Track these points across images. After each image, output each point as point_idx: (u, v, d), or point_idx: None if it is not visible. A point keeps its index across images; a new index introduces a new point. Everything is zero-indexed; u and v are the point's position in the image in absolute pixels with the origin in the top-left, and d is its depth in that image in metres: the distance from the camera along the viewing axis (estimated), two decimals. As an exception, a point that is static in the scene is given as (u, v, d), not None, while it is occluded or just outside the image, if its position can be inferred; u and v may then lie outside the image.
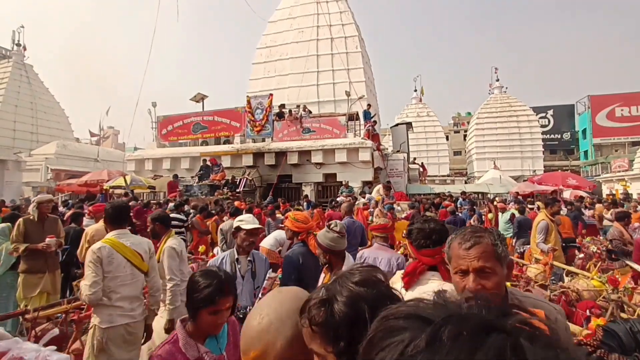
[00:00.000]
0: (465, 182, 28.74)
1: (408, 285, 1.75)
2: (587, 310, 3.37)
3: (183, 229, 7.71)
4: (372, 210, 9.32)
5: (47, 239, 4.31)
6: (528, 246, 7.03)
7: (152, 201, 10.56)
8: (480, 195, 17.78)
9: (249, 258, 2.72)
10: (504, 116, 33.72)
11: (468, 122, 42.51)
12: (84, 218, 6.35)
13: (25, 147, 25.37)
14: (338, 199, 10.95)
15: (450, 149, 41.43)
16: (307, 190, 13.43)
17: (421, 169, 21.07)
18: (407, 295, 1.70)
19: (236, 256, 2.67)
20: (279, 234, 6.90)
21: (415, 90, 39.79)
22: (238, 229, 2.65)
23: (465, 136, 42.54)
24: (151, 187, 13.46)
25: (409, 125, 21.13)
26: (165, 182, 13.30)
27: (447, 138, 41.03)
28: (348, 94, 14.34)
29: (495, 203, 11.24)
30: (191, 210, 7.92)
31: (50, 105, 29.15)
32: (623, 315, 3.52)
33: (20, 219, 4.44)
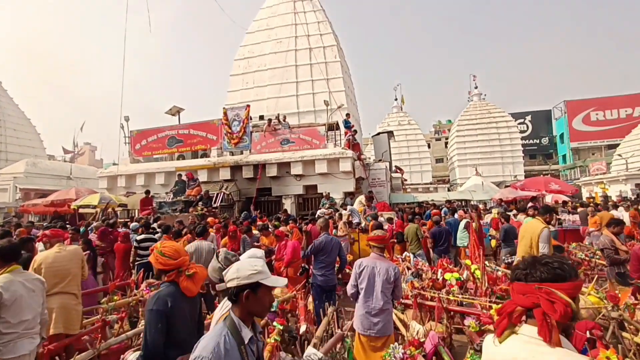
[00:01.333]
0: (448, 190, 28.85)
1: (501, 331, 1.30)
2: (587, 332, 3.05)
3: (147, 253, 7.14)
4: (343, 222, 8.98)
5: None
6: (515, 257, 6.75)
7: (118, 220, 9.91)
8: (463, 202, 17.71)
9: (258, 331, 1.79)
10: (484, 123, 34.24)
11: (449, 130, 43.06)
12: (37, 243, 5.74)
13: (-8, 166, 24.18)
14: (319, 212, 10.55)
15: (432, 156, 41.77)
16: (287, 204, 12.96)
17: (400, 175, 20.93)
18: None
19: (245, 333, 1.63)
20: (253, 253, 6.41)
21: (396, 99, 40.18)
22: (254, 286, 1.62)
23: (446, 143, 43.01)
24: (122, 205, 12.77)
25: (390, 134, 21.00)
26: (138, 199, 12.64)
27: (428, 146, 41.37)
28: (327, 103, 14.08)
29: (479, 210, 11.06)
30: (158, 230, 7.34)
31: (20, 122, 28.01)
32: (625, 334, 3.21)
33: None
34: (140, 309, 4.68)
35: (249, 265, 1.66)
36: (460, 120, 35.40)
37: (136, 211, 12.98)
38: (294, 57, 20.54)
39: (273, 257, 6.66)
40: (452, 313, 4.76)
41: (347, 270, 7.76)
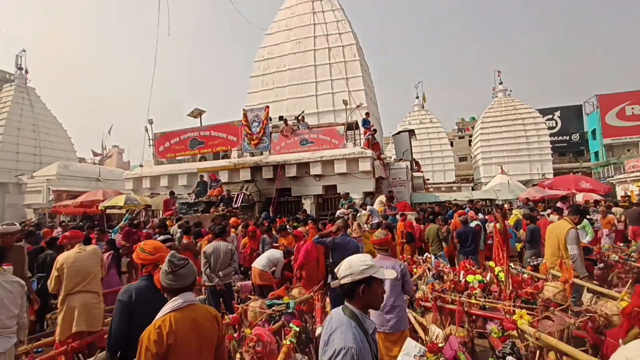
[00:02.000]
0: (472, 189, 28.12)
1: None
2: (620, 340, 2.87)
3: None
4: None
5: (4, 267, 3.91)
6: (541, 259, 6.47)
7: (142, 220, 10.17)
8: (487, 202, 17.19)
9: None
10: (510, 119, 33.15)
11: (473, 127, 41.97)
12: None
13: (28, 169, 25.38)
14: (338, 212, 10.48)
15: (455, 155, 40.83)
16: (307, 204, 12.96)
17: (422, 174, 20.54)
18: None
19: (369, 324, 1.73)
20: (272, 254, 6.44)
21: (417, 97, 39.48)
22: (368, 281, 1.69)
23: (470, 141, 41.93)
24: (147, 206, 13.12)
25: (411, 132, 20.65)
26: (162, 200, 12.95)
27: (451, 144, 40.48)
28: (346, 102, 13.98)
29: (504, 210, 10.69)
30: (178, 230, 7.47)
31: (53, 126, 29.28)
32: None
33: (-20, 250, 4.05)
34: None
35: (359, 261, 1.76)
36: (485, 117, 34.39)
37: (160, 212, 13.31)
38: (313, 57, 20.54)
39: (292, 257, 6.66)
40: (473, 317, 4.61)
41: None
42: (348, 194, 11.98)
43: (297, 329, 3.75)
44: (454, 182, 32.53)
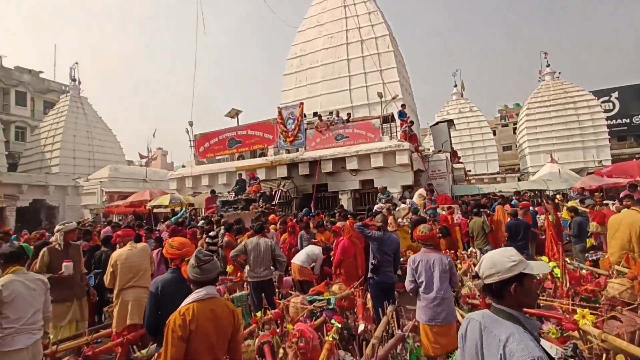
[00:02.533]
0: (519, 179, 26.65)
1: None
2: None
3: (215, 248, 7.50)
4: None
5: (64, 264, 4.18)
6: (601, 253, 5.98)
7: (186, 217, 10.58)
8: (536, 193, 16.21)
9: None
10: (559, 104, 30.92)
11: (517, 114, 39.72)
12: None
13: (84, 172, 27.28)
14: (376, 206, 10.32)
15: (498, 144, 38.91)
16: (344, 199, 12.87)
17: (463, 166, 19.75)
18: None
19: (532, 326, 1.52)
20: (311, 250, 6.44)
21: (456, 86, 37.96)
22: (519, 278, 1.51)
23: (514, 129, 39.75)
24: (190, 205, 13.64)
25: (450, 122, 19.92)
26: (204, 198, 13.41)
27: (494, 133, 38.59)
28: (381, 95, 13.69)
29: (556, 201, 10.02)
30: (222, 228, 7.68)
31: (104, 132, 31.23)
32: None
33: (45, 249, 4.38)
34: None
35: (504, 257, 1.57)
36: (531, 103, 32.31)
37: (202, 210, 13.80)
38: (346, 51, 20.33)
39: (331, 253, 6.62)
40: (527, 316, 4.33)
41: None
42: (386, 188, 11.76)
43: (339, 325, 3.70)
44: (497, 173, 31.00)
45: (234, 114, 17.47)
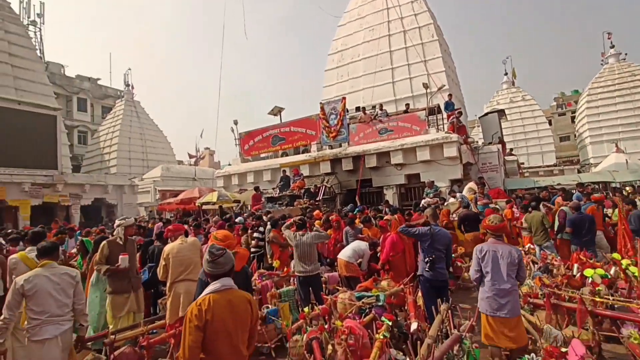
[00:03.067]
0: (578, 172, 24.65)
1: None
2: None
3: (263, 243, 7.61)
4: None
5: (121, 257, 4.38)
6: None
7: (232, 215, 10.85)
8: (600, 185, 14.84)
9: None
10: (625, 88, 28.09)
11: (576, 102, 36.73)
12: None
13: (138, 172, 29.10)
14: (423, 201, 9.97)
15: (555, 134, 36.23)
16: (389, 194, 12.57)
17: (515, 158, 18.54)
18: None
19: None
20: (357, 245, 6.31)
21: (506, 74, 35.77)
22: None
23: (573, 118, 36.81)
24: (237, 201, 14.01)
25: (501, 112, 18.79)
26: (250, 195, 13.72)
27: (550, 123, 35.96)
28: (426, 86, 13.18)
29: (625, 193, 9.10)
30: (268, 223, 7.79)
31: (156, 134, 33.09)
32: None
33: (105, 242, 4.62)
34: (254, 297, 4.97)
35: None
36: (592, 89, 29.63)
37: (248, 206, 14.12)
38: (388, 43, 19.87)
39: (378, 249, 6.45)
40: (599, 318, 3.91)
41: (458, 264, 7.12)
42: (433, 182, 11.33)
43: (390, 323, 3.55)
44: (555, 165, 28.88)
45: (277, 111, 17.69)
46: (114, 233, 4.82)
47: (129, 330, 3.85)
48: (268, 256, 7.71)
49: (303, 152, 15.74)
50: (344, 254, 6.07)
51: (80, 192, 20.29)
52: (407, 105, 15.03)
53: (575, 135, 35.04)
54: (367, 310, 3.97)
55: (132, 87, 32.38)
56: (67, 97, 32.28)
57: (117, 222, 4.75)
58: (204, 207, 14.27)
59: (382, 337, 3.26)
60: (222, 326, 2.13)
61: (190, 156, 34.92)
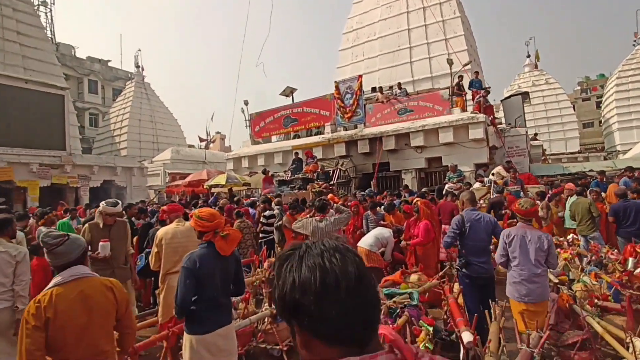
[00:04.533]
0: (604, 159, 23.33)
1: None
2: None
3: (271, 229, 6.97)
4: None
5: (100, 244, 3.76)
6: None
7: (242, 198, 10.26)
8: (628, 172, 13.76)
9: None
10: (660, 71, 26.41)
11: (602, 86, 34.93)
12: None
13: (148, 155, 28.74)
14: (447, 186, 9.20)
15: (578, 120, 34.59)
16: (408, 178, 11.80)
17: (540, 143, 17.52)
18: None
19: None
20: (380, 233, 5.61)
21: (529, 56, 33.97)
22: None
23: (598, 104, 35.04)
24: (246, 184, 13.43)
25: (525, 95, 17.68)
26: (260, 178, 13.10)
27: (573, 108, 34.30)
28: (451, 62, 12.18)
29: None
30: (275, 207, 7.13)
31: (166, 117, 32.61)
32: None
33: (86, 225, 3.99)
34: (264, 290, 4.34)
35: None
36: (622, 72, 27.82)
37: (259, 190, 13.54)
38: (406, 20, 18.82)
39: (402, 237, 5.76)
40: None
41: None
42: (456, 166, 10.52)
43: (430, 329, 2.88)
44: (578, 152, 27.52)
45: (289, 92, 16.91)
46: (96, 217, 4.17)
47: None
48: (276, 243, 7.08)
49: (316, 134, 15.01)
50: (365, 242, 5.39)
51: (89, 174, 19.99)
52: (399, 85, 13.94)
53: (600, 122, 33.39)
54: (399, 311, 3.29)
55: (142, 69, 31.81)
56: (79, 79, 31.92)
57: (101, 205, 4.10)
58: (213, 189, 13.75)
59: (423, 348, 2.60)
60: (70, 322, 1.88)
61: (201, 139, 34.50)
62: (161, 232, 3.49)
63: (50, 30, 29.47)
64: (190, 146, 35.83)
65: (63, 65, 25.06)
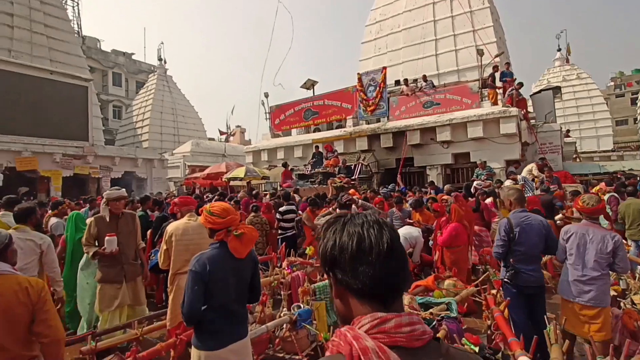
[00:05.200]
0: (641, 158, 22.00)
1: None
2: None
3: (289, 225, 6.64)
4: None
5: (106, 239, 3.50)
6: None
7: (261, 192, 9.99)
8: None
9: None
10: None
11: (637, 82, 33.08)
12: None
13: (169, 147, 28.99)
14: (475, 183, 8.68)
15: (611, 117, 32.88)
16: (433, 175, 11.27)
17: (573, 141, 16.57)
18: None
19: None
20: (408, 232, 5.20)
21: (559, 49, 32.45)
22: None
23: (634, 100, 33.21)
24: (265, 178, 13.18)
25: (556, 90, 16.73)
26: (279, 172, 12.83)
27: (606, 104, 32.60)
28: (482, 52, 11.52)
29: None
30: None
31: (187, 109, 32.84)
32: None
33: (92, 218, 3.72)
34: (282, 292, 4.01)
35: None
36: (661, 66, 26.35)
37: (277, 183, 13.28)
38: (432, 11, 18.09)
39: (430, 237, 5.34)
40: None
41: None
42: (485, 162, 9.93)
43: (476, 350, 2.47)
44: (612, 151, 26.12)
45: (310, 84, 16.53)
46: (101, 208, 3.87)
47: (120, 332, 3.01)
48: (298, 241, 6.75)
49: (337, 128, 14.59)
50: (391, 242, 4.99)
51: (111, 165, 20.22)
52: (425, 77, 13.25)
53: (635, 119, 31.66)
54: (435, 324, 2.89)
55: (165, 62, 32.06)
56: (103, 72, 32.45)
57: (105, 194, 3.82)
58: (232, 182, 13.57)
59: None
60: None
61: (221, 133, 34.55)
62: (171, 227, 3.17)
63: (77, 24, 29.97)
64: (211, 139, 36.00)
65: (89, 57, 25.42)
